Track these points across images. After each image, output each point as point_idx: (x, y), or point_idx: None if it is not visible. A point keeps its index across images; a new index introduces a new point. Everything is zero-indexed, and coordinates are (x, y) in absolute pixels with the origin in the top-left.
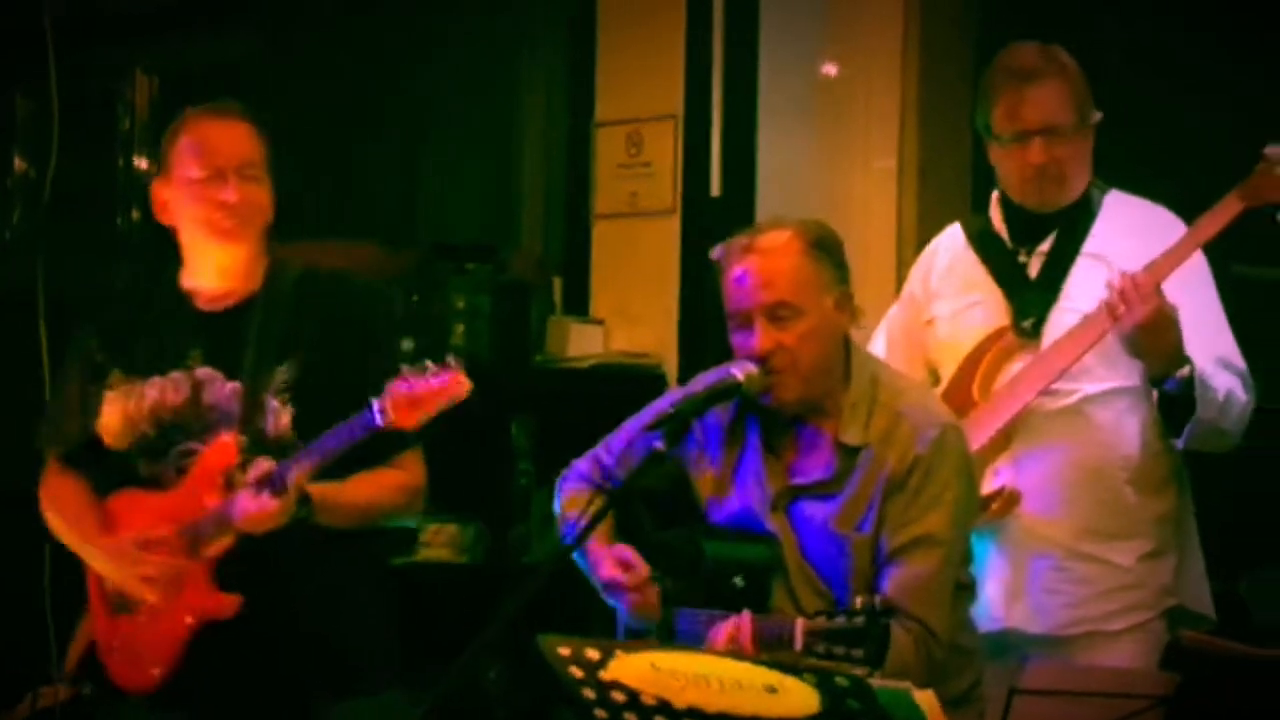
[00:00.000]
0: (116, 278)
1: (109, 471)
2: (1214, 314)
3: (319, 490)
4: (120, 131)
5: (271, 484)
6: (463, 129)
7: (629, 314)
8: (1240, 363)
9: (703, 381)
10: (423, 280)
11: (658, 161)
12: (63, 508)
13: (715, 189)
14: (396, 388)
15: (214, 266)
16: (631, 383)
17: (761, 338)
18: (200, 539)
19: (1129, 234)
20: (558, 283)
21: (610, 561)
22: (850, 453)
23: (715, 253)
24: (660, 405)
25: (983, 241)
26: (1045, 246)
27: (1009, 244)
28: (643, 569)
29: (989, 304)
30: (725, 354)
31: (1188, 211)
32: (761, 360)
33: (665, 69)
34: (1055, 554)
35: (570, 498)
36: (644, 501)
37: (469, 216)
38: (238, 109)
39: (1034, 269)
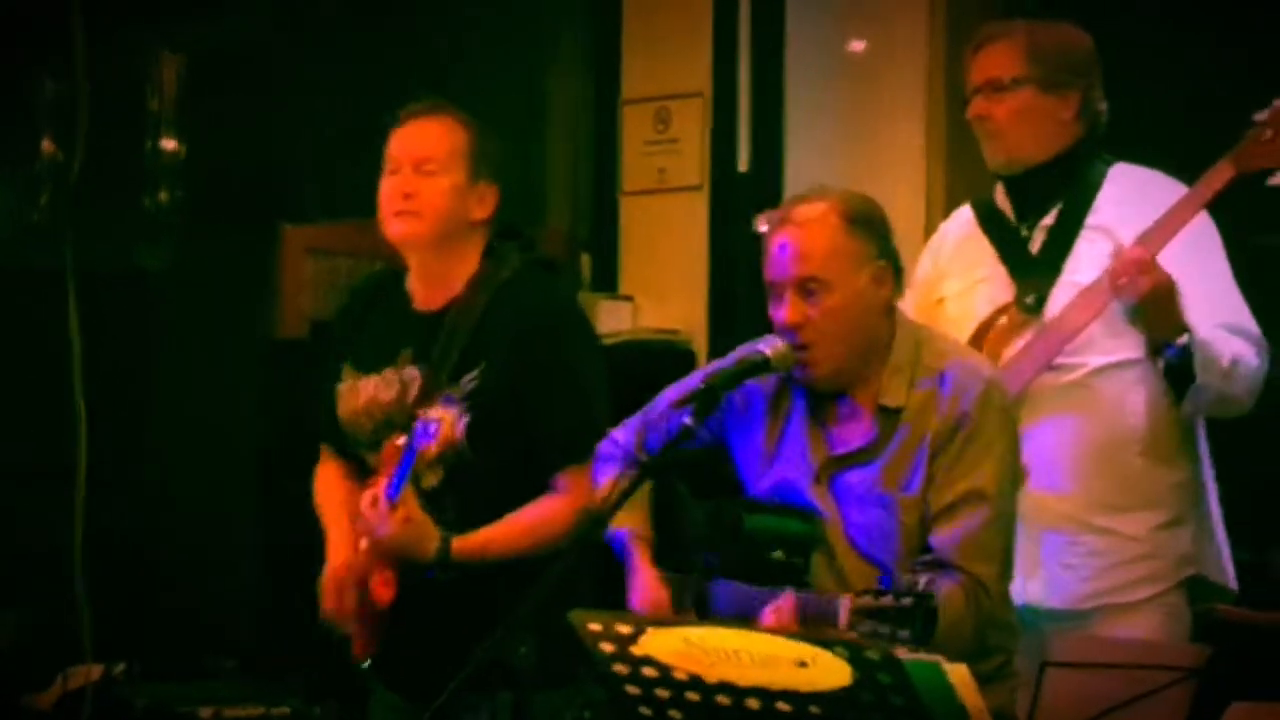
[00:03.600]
0: (145, 259)
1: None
2: (1221, 281)
3: (465, 548)
4: (148, 112)
5: (389, 497)
6: (489, 106)
7: (657, 291)
8: (1253, 328)
9: (733, 357)
10: None
11: (685, 138)
12: (317, 492)
13: (743, 165)
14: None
15: (414, 266)
16: (661, 359)
17: (789, 311)
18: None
19: (1134, 205)
20: (586, 260)
21: (645, 597)
22: (890, 415)
23: (758, 223)
24: (690, 381)
25: (988, 218)
26: (1048, 221)
27: (1013, 220)
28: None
29: (994, 281)
30: (755, 329)
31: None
32: (790, 333)
33: (692, 46)
34: (1068, 528)
35: (604, 473)
36: (681, 473)
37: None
38: (430, 105)
39: (1037, 244)
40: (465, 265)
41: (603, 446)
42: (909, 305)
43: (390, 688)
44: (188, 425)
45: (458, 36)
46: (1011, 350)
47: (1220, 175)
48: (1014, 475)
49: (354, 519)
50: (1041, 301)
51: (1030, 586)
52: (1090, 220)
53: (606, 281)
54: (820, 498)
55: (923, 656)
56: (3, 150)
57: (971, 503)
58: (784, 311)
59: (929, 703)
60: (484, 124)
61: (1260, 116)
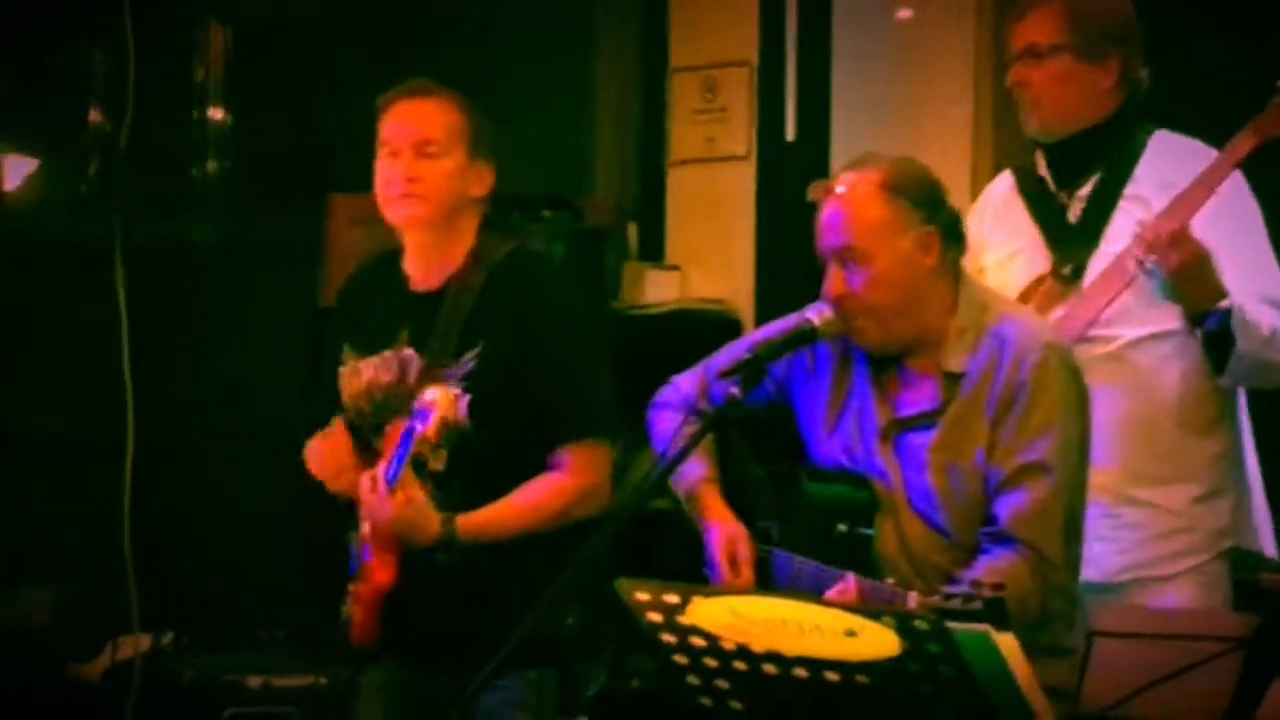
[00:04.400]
0: (193, 231)
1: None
2: (1258, 252)
3: (466, 529)
4: (195, 83)
5: (387, 482)
6: (537, 76)
7: (705, 260)
8: None
9: (781, 325)
10: (497, 228)
11: (733, 107)
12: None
13: (790, 134)
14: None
15: (412, 246)
16: (708, 328)
17: (831, 282)
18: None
19: (1172, 174)
20: (633, 229)
21: (724, 551)
22: (954, 380)
23: (811, 192)
24: (737, 349)
25: (1027, 187)
26: (1086, 190)
27: (1053, 188)
28: (748, 576)
29: (1033, 251)
30: (801, 299)
31: None
32: (835, 304)
33: (740, 15)
34: (1105, 500)
35: (664, 421)
36: (744, 431)
37: (544, 165)
38: (423, 85)
39: (1075, 213)
40: (462, 243)
41: (663, 393)
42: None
43: (398, 661)
44: (235, 396)
45: (505, 5)
46: (1049, 321)
47: (1244, 143)
48: (1080, 440)
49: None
50: (1079, 272)
51: None
52: (1128, 190)
53: (654, 251)
54: (885, 459)
55: (972, 626)
56: (52, 121)
57: (1034, 474)
58: (826, 282)
59: (978, 672)
60: (473, 100)
61: None
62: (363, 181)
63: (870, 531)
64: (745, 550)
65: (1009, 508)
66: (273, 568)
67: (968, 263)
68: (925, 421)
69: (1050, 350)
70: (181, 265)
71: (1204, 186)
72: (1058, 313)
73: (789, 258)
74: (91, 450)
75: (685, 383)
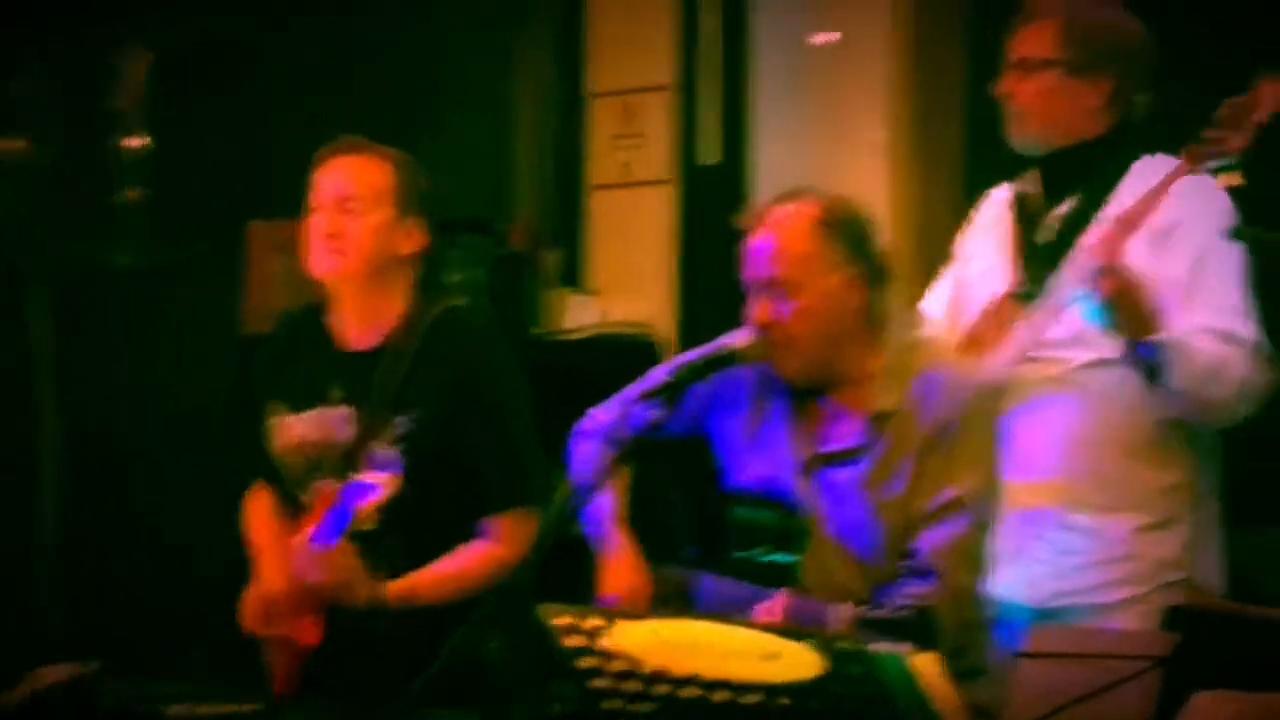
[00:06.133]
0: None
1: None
2: (1216, 283)
3: (394, 593)
4: (115, 109)
5: (316, 545)
6: (455, 102)
7: (626, 285)
8: (1246, 334)
9: (703, 350)
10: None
11: (652, 132)
12: (248, 522)
13: (710, 158)
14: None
15: (341, 304)
16: (629, 353)
17: (758, 310)
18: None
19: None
20: (553, 254)
21: (622, 581)
22: (882, 419)
23: (739, 220)
24: (659, 374)
25: (1017, 200)
26: (1063, 210)
27: (1040, 204)
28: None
29: (1002, 269)
30: (722, 323)
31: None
32: (760, 332)
33: (657, 39)
34: (1046, 524)
35: (584, 451)
36: (664, 461)
37: (463, 190)
38: (353, 143)
39: (1047, 233)
40: (395, 303)
41: (583, 424)
42: (943, 284)
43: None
44: (158, 421)
45: (424, 32)
46: (1001, 341)
47: (1176, 172)
48: (995, 482)
49: (284, 554)
50: (1035, 293)
51: (1005, 581)
52: (1107, 211)
53: (574, 275)
54: (806, 492)
55: (890, 648)
56: None
57: (957, 508)
58: (754, 311)
59: (897, 693)
60: (408, 158)
61: (1218, 113)
62: (284, 208)
63: (794, 562)
64: (640, 587)
65: (930, 541)
66: (199, 593)
67: (959, 271)
68: (849, 457)
69: (978, 392)
70: (103, 290)
71: (1136, 214)
72: (1009, 335)
73: (709, 282)
74: (13, 476)
75: (603, 414)
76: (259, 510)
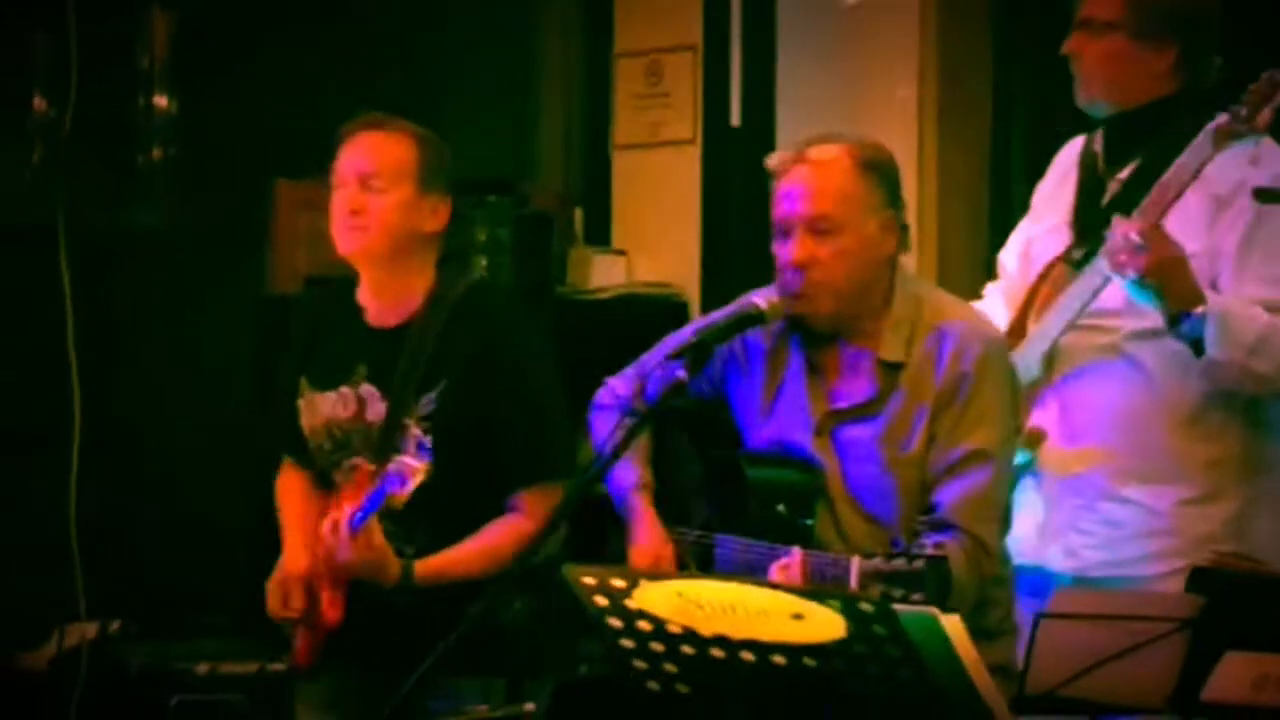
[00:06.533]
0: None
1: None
2: (1265, 253)
3: (422, 572)
4: (139, 69)
5: (351, 527)
6: (482, 62)
7: (650, 244)
8: None
9: (727, 310)
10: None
11: (677, 92)
12: (279, 497)
13: (735, 119)
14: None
15: (367, 281)
16: (654, 312)
17: (797, 249)
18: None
19: (1213, 167)
20: (579, 214)
21: (648, 548)
22: (892, 371)
23: (769, 161)
24: (684, 334)
25: (1083, 160)
26: (1125, 174)
27: (1102, 166)
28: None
29: (1064, 230)
30: (747, 283)
31: None
32: (796, 272)
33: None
34: (1089, 493)
35: (602, 422)
36: (681, 423)
37: (489, 149)
38: (377, 119)
39: (1108, 196)
40: (420, 279)
41: (600, 396)
42: (1018, 236)
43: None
44: (182, 383)
45: None
46: (1053, 305)
47: (1202, 153)
48: (1014, 435)
49: (314, 535)
50: (1089, 258)
51: (1045, 549)
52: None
53: (600, 235)
54: (822, 450)
55: (918, 608)
56: None
57: (974, 462)
58: (790, 249)
59: (925, 654)
60: (430, 133)
61: (1253, 87)
62: (309, 168)
63: (811, 521)
64: (667, 552)
65: (949, 495)
66: (219, 557)
67: (1025, 228)
68: (862, 413)
69: (991, 344)
70: (127, 252)
71: (1172, 187)
72: (1059, 301)
73: (734, 241)
74: (38, 438)
75: (620, 385)
76: (289, 487)
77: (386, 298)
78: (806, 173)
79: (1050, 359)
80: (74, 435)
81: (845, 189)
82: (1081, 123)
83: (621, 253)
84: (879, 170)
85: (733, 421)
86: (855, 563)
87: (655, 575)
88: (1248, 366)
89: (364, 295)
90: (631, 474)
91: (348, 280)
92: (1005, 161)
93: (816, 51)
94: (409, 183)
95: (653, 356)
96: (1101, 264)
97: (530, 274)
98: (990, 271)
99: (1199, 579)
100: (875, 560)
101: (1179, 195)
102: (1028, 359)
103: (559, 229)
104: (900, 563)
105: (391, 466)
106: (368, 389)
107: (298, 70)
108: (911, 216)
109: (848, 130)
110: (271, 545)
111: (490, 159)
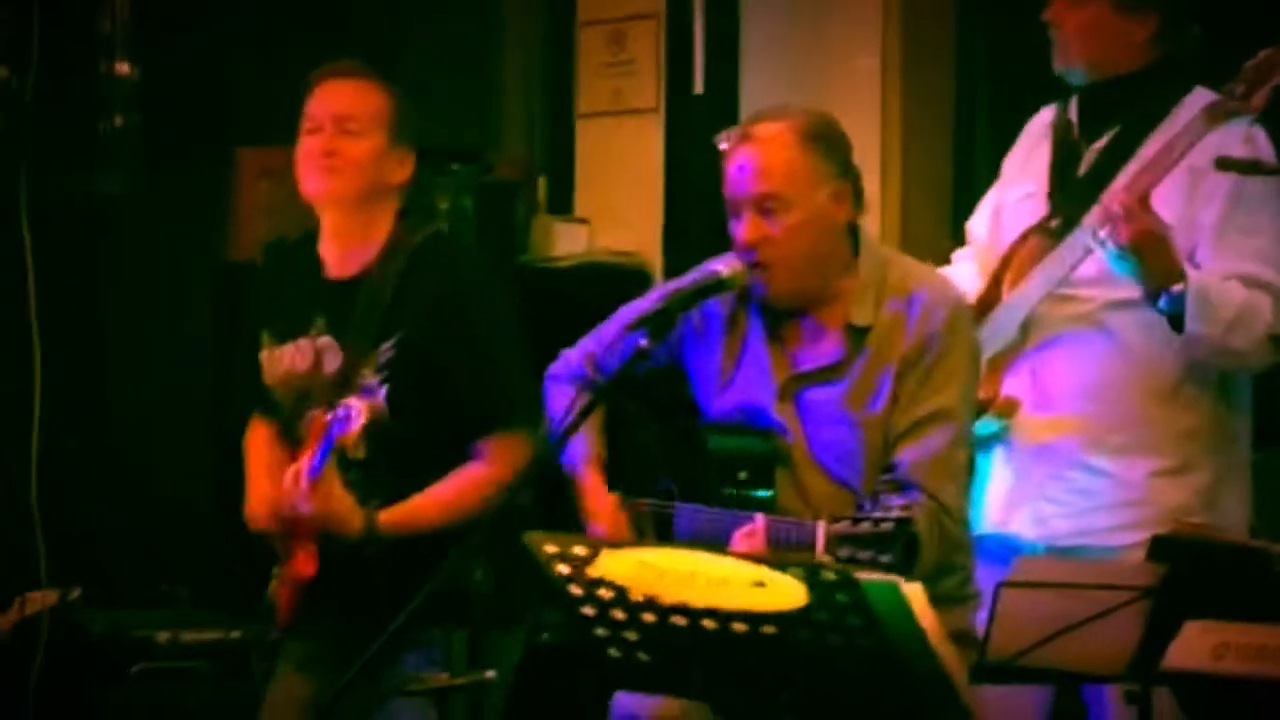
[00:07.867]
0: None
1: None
2: (1250, 230)
3: (389, 522)
4: (100, 35)
5: (309, 477)
6: (445, 31)
7: (613, 213)
8: (1274, 279)
9: (689, 278)
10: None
11: (640, 60)
12: (246, 449)
13: (698, 87)
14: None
15: (328, 229)
16: (617, 281)
17: (747, 229)
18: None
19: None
20: (542, 182)
21: (601, 521)
22: (859, 334)
23: (719, 140)
24: (646, 303)
25: (1056, 128)
26: (1102, 143)
27: (1076, 135)
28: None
29: (1040, 198)
30: (709, 251)
31: None
32: (749, 252)
33: None
34: (1060, 462)
35: (557, 394)
36: (638, 395)
37: (452, 117)
38: (351, 66)
39: (1085, 166)
40: (378, 230)
41: (554, 367)
42: (988, 203)
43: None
44: (143, 350)
45: None
46: (1029, 275)
47: (1195, 131)
48: (975, 397)
49: (273, 486)
50: (1067, 227)
51: (1014, 516)
52: (1146, 149)
53: (562, 203)
54: (785, 415)
55: (879, 576)
56: None
57: (937, 421)
58: (742, 230)
59: (886, 623)
60: (398, 89)
61: (1248, 64)
62: (270, 135)
63: (771, 493)
64: (621, 521)
65: (911, 455)
66: (181, 524)
67: (995, 195)
68: (827, 376)
69: (958, 307)
70: (89, 219)
71: (1162, 163)
72: (1038, 269)
73: (697, 210)
74: None
75: (574, 355)
76: (255, 438)
77: (347, 245)
78: (751, 151)
79: (1025, 326)
80: (35, 402)
81: (791, 164)
82: (1046, 90)
83: (584, 221)
84: (825, 140)
85: (689, 393)
86: (821, 526)
87: (618, 543)
88: (1225, 342)
89: (324, 247)
90: (583, 448)
91: (309, 234)
92: (969, 129)
93: (780, 19)
94: (382, 130)
95: (608, 327)
96: (1084, 234)
97: (493, 242)
98: (956, 238)
99: (1159, 547)
100: (843, 523)
101: (1168, 171)
102: (1004, 324)
103: (522, 197)
104: (867, 525)
105: (339, 409)
106: (325, 340)
107: (261, 38)
108: (875, 185)
109: (799, 102)
110: (234, 513)
111: (454, 127)
